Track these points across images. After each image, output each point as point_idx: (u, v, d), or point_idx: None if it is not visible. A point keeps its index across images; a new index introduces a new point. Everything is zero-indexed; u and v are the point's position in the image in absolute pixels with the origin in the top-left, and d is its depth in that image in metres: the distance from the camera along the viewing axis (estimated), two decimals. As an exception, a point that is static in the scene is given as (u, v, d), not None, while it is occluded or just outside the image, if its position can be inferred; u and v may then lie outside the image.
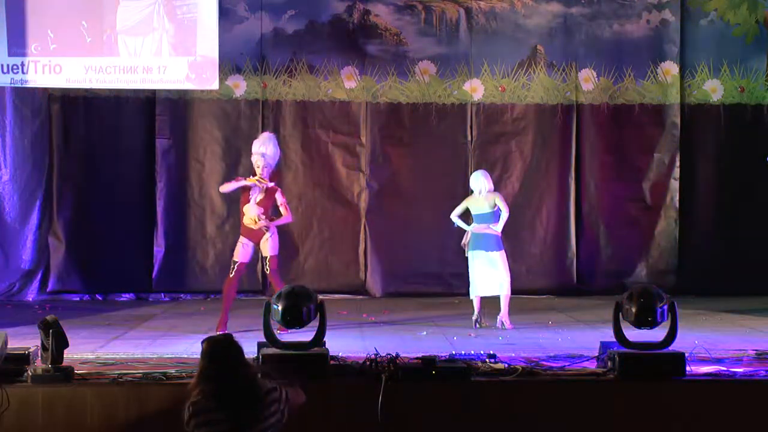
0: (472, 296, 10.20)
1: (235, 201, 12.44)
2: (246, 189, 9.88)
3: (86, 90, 12.55)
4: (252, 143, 10.20)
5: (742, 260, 12.93)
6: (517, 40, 13.09)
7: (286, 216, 9.99)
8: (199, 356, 5.10)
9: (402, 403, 6.50)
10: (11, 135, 12.67)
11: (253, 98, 12.94)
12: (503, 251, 10.20)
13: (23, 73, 11.60)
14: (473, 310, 10.13)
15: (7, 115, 12.64)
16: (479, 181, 10.30)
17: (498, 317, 10.01)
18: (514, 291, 10.50)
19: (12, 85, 12.01)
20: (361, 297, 12.82)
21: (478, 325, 10.00)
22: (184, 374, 6.79)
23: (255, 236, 9.84)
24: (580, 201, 13.14)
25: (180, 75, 11.87)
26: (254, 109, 12.95)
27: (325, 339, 6.81)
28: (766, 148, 12.61)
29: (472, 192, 10.40)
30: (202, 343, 5.11)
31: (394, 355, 6.71)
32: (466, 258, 10.31)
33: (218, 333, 5.33)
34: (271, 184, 9.92)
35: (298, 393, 5.31)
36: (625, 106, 13.14)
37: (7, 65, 11.59)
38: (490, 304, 10.18)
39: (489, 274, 10.10)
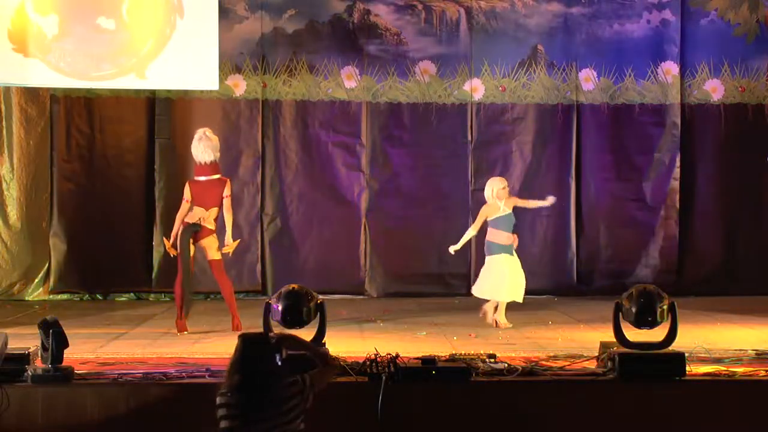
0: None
1: (237, 201, 12.48)
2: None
3: (87, 90, 12.57)
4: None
5: (742, 260, 12.94)
6: (517, 40, 13.09)
7: (227, 218, 9.85)
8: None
9: (402, 403, 6.49)
10: (16, 135, 12.69)
11: (253, 98, 12.94)
12: (489, 257, 10.32)
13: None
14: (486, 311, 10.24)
15: (12, 116, 12.66)
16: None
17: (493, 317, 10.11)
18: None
19: (16, 85, 12.07)
20: (361, 297, 12.82)
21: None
22: (184, 374, 6.80)
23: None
24: (580, 201, 13.14)
25: (180, 75, 11.87)
26: (254, 109, 12.94)
27: (325, 339, 6.81)
28: (767, 147, 12.61)
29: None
30: (238, 338, 5.24)
31: (394, 355, 6.71)
32: (472, 258, 10.46)
33: (254, 331, 5.60)
34: (216, 177, 9.84)
35: (326, 371, 5.44)
36: (625, 106, 13.14)
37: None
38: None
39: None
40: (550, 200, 10.74)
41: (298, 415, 5.11)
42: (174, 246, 9.75)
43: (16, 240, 12.73)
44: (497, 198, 10.27)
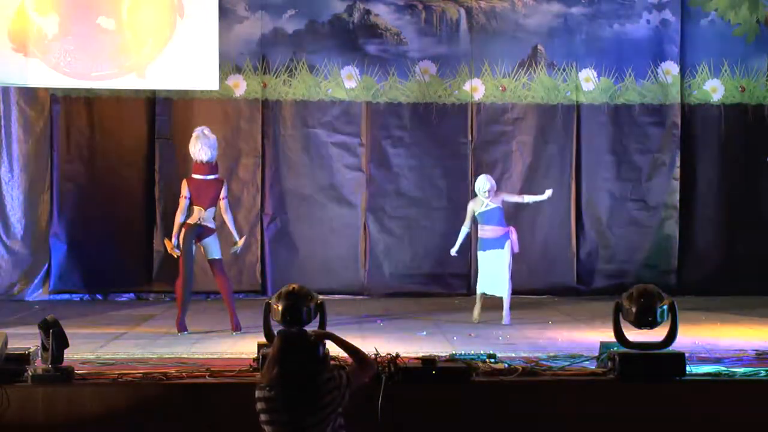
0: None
1: (237, 201, 12.48)
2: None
3: (87, 90, 12.57)
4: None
5: (742, 260, 12.93)
6: (517, 40, 13.08)
7: (228, 219, 9.91)
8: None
9: (402, 403, 6.49)
10: (16, 136, 12.70)
11: (253, 98, 12.94)
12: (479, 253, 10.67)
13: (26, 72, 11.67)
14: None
15: (11, 116, 12.66)
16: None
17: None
18: (514, 291, 10.56)
19: (16, 85, 12.08)
20: (361, 297, 12.81)
21: None
22: (184, 374, 6.80)
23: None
24: (580, 201, 13.14)
25: (180, 75, 11.86)
26: (254, 109, 12.94)
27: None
28: (767, 148, 12.61)
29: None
30: (277, 334, 5.37)
31: (394, 355, 6.71)
32: (472, 258, 10.57)
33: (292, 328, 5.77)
34: (213, 177, 9.83)
35: (362, 369, 5.50)
36: (625, 106, 13.14)
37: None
38: (490, 301, 10.25)
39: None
40: (548, 193, 10.79)
41: (335, 409, 5.18)
42: (177, 247, 9.74)
43: (17, 240, 12.73)
44: (481, 193, 10.43)
